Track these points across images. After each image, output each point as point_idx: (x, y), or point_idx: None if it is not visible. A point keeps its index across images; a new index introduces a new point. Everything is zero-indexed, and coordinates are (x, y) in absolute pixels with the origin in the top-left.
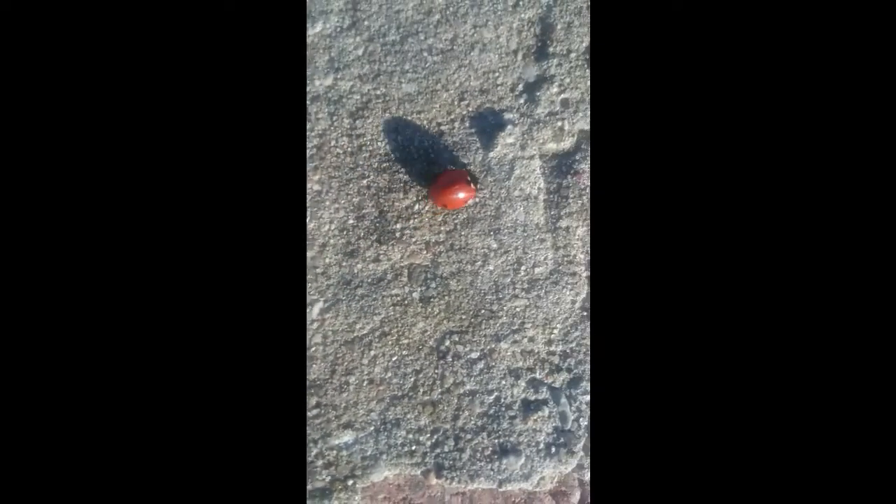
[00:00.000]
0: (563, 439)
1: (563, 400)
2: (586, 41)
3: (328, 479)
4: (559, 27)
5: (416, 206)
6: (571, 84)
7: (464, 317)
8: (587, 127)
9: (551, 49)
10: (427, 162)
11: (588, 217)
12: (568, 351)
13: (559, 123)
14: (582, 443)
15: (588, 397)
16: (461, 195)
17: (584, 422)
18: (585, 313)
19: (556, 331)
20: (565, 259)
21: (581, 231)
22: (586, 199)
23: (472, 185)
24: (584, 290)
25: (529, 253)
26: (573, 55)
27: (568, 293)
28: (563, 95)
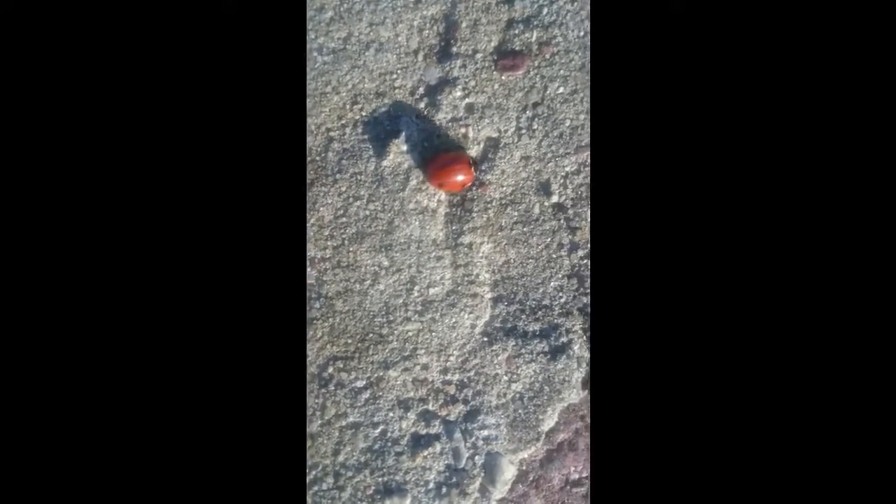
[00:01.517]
0: (456, 479)
1: (458, 435)
2: (494, 41)
3: None
4: (464, 25)
5: None
6: (477, 87)
7: (350, 341)
8: (494, 134)
9: (455, 49)
10: (314, 170)
11: (494, 233)
12: (465, 380)
13: (463, 130)
14: (477, 483)
15: (485, 432)
16: (459, 178)
17: (480, 460)
18: (486, 339)
19: (452, 358)
20: (465, 279)
21: (486, 248)
22: (492, 212)
23: (472, 169)
24: (487, 314)
25: (424, 272)
26: (479, 56)
27: (467, 316)
28: (467, 100)
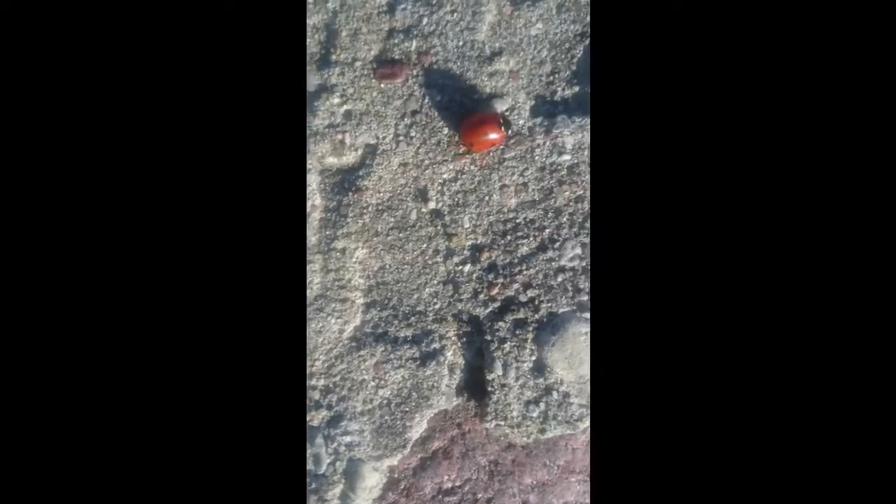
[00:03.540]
0: (315, 485)
1: (319, 440)
2: (374, 49)
3: None
4: (344, 34)
5: None
6: (355, 95)
7: None
8: (372, 141)
9: (335, 57)
10: None
11: (369, 238)
12: (330, 385)
13: (340, 136)
14: (337, 489)
15: (348, 438)
16: (491, 136)
17: (341, 466)
18: (354, 344)
19: (317, 363)
20: (336, 283)
21: (361, 253)
22: (368, 218)
23: (503, 129)
24: (358, 319)
25: None
26: (358, 64)
27: (335, 321)
28: (345, 107)
